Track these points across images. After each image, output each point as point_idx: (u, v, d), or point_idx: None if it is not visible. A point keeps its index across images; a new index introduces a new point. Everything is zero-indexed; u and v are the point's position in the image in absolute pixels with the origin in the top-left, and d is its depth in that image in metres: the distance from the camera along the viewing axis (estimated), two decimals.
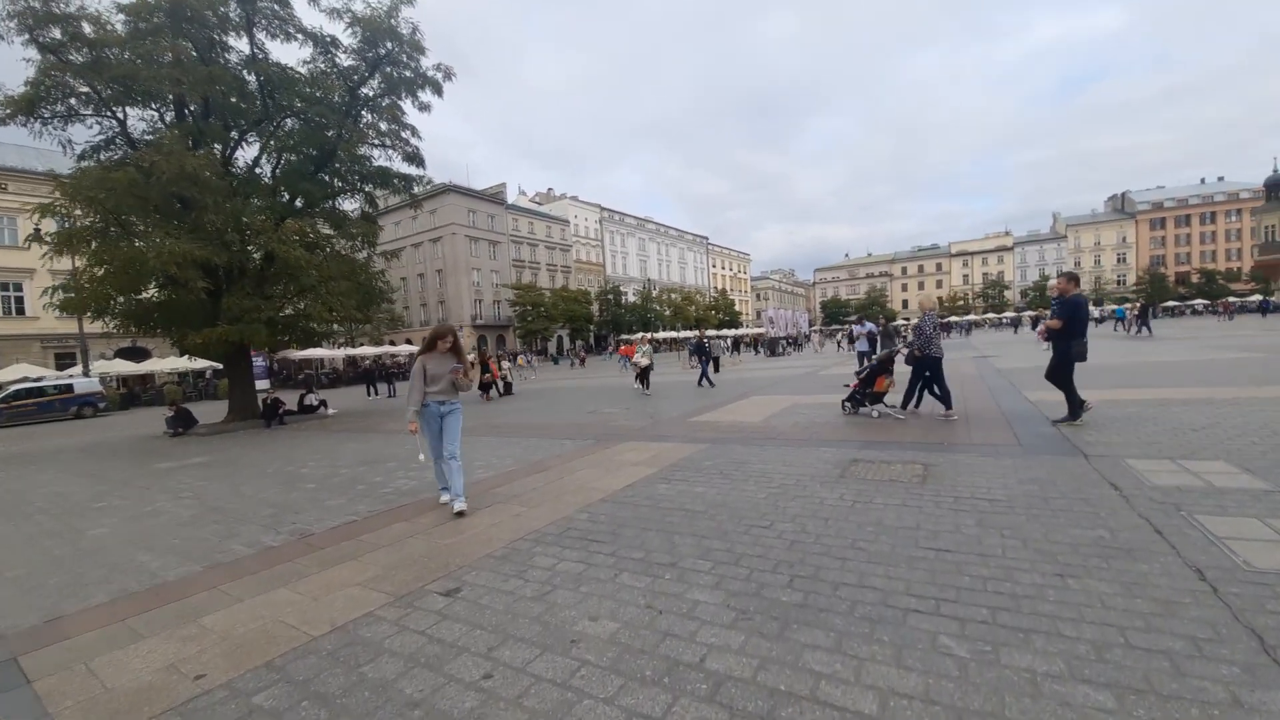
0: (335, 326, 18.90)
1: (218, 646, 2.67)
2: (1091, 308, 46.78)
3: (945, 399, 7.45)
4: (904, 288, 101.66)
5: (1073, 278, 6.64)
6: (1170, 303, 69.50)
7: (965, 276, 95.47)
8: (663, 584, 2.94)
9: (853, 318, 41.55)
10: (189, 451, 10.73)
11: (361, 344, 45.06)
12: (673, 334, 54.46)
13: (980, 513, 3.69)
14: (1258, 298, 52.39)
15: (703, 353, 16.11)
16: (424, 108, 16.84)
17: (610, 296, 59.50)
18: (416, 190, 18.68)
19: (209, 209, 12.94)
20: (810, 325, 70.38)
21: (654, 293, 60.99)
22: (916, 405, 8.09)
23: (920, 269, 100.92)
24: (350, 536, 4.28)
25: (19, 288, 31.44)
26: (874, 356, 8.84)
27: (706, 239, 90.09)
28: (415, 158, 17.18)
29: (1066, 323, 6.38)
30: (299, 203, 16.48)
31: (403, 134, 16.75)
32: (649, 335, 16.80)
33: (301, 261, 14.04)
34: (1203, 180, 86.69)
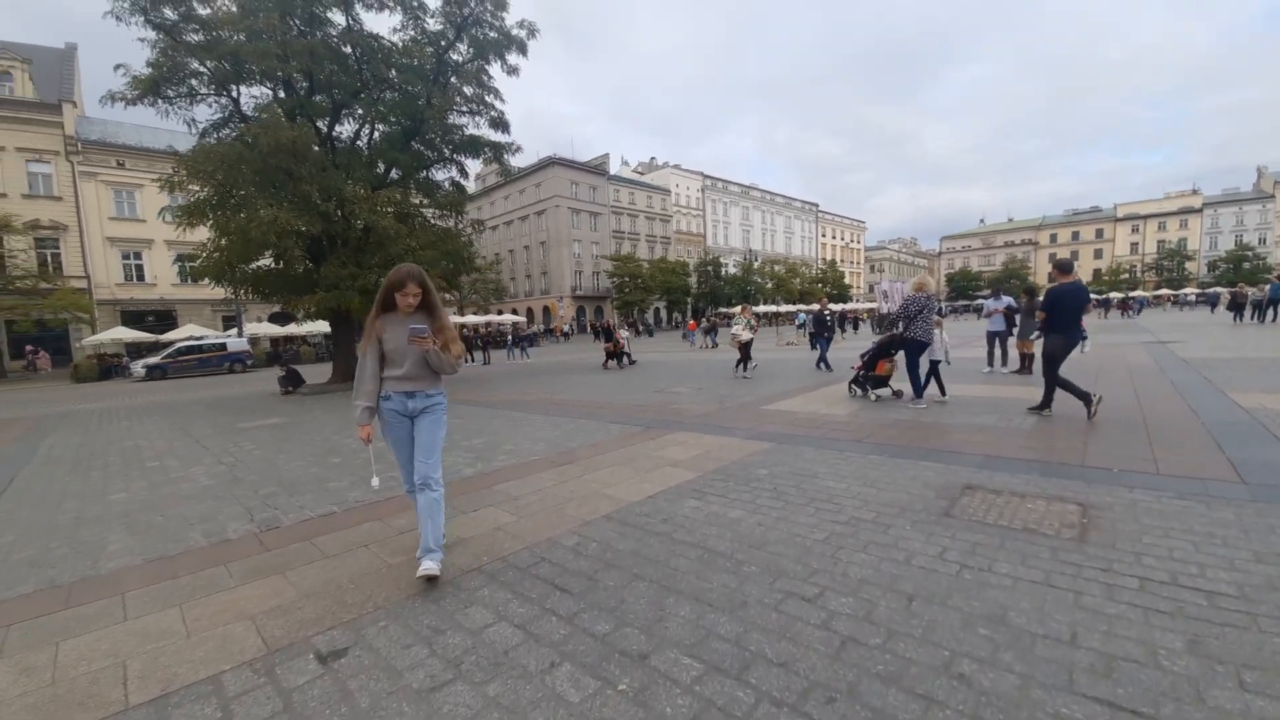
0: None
1: (16, 705, 2.04)
2: None
3: (916, 387, 7.31)
4: (1052, 258, 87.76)
5: (1062, 266, 6.35)
6: None
7: (1134, 245, 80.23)
8: (609, 704, 1.85)
9: (985, 292, 36.21)
10: (279, 410, 11.30)
11: (470, 313, 47.57)
12: (773, 308, 51.42)
13: (1193, 620, 2.15)
14: None
15: (824, 328, 13.43)
16: (512, 71, 16.41)
17: (709, 268, 57.43)
18: (507, 158, 18.46)
19: (305, 180, 13.44)
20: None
21: (756, 264, 57.82)
22: (942, 394, 7.47)
23: (1075, 236, 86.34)
24: (308, 536, 3.66)
25: (139, 256, 35.88)
26: (906, 334, 7.18)
27: (816, 206, 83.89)
28: (500, 123, 16.90)
29: (1047, 316, 6.14)
30: (394, 173, 16.89)
31: (487, 98, 16.47)
32: (749, 306, 15.16)
33: (391, 231, 14.28)
34: None
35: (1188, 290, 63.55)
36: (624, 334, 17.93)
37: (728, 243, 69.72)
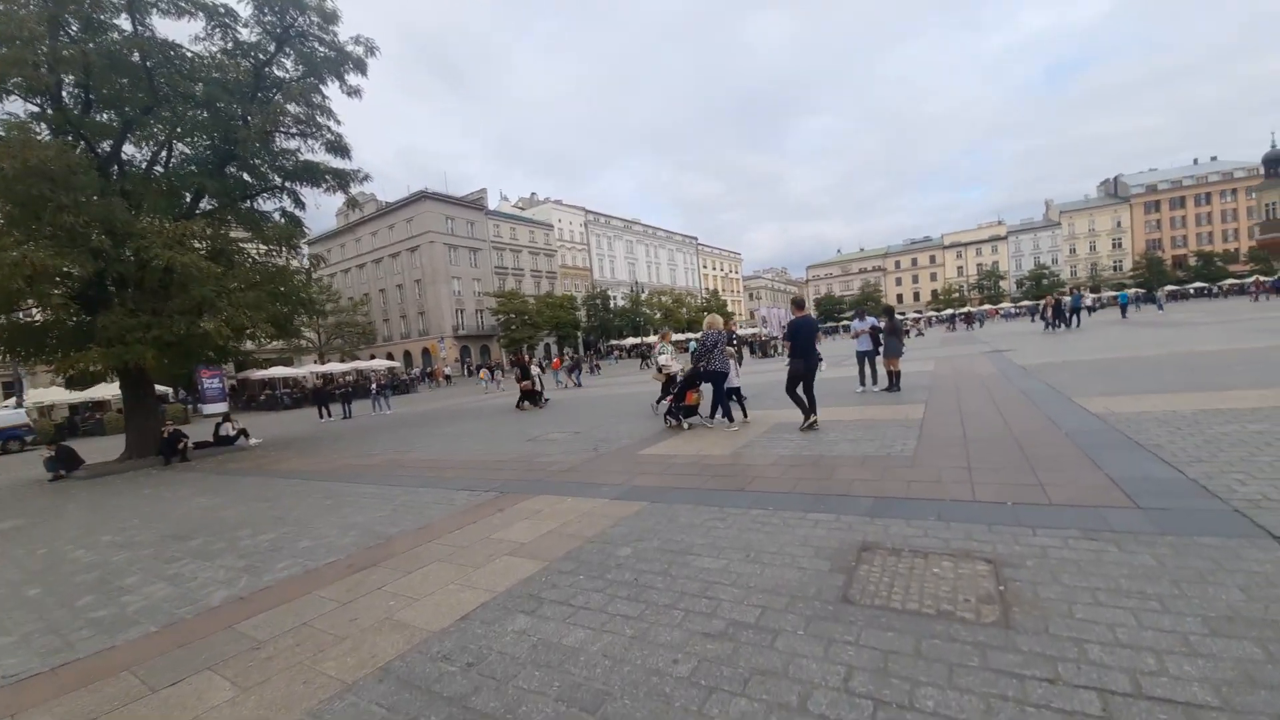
0: (260, 342, 16.65)
1: None
2: (1086, 295, 44.97)
3: (725, 412, 7.95)
4: (898, 281, 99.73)
5: (797, 303, 7.73)
6: (1170, 287, 67.59)
7: (959, 268, 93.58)
8: None
9: (849, 314, 39.35)
10: (29, 505, 8.51)
11: (333, 360, 42.66)
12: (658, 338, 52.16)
13: None
14: (1266, 279, 50.40)
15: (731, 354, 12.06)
16: (353, 92, 14.74)
17: (598, 301, 57.24)
18: (355, 188, 16.50)
19: (69, 209, 10.68)
20: None
21: (643, 295, 58.61)
22: (743, 416, 8.35)
23: (914, 262, 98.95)
24: None
25: None
26: (706, 367, 7.98)
27: (696, 239, 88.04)
28: (338, 147, 15.07)
29: (790, 344, 7.23)
30: (206, 203, 14.27)
31: (319, 118, 14.60)
32: (669, 331, 13.81)
33: (196, 270, 11.73)
34: (1195, 161, 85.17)
35: (1005, 305, 75.13)
36: (536, 371, 16.45)
37: (614, 275, 70.37)
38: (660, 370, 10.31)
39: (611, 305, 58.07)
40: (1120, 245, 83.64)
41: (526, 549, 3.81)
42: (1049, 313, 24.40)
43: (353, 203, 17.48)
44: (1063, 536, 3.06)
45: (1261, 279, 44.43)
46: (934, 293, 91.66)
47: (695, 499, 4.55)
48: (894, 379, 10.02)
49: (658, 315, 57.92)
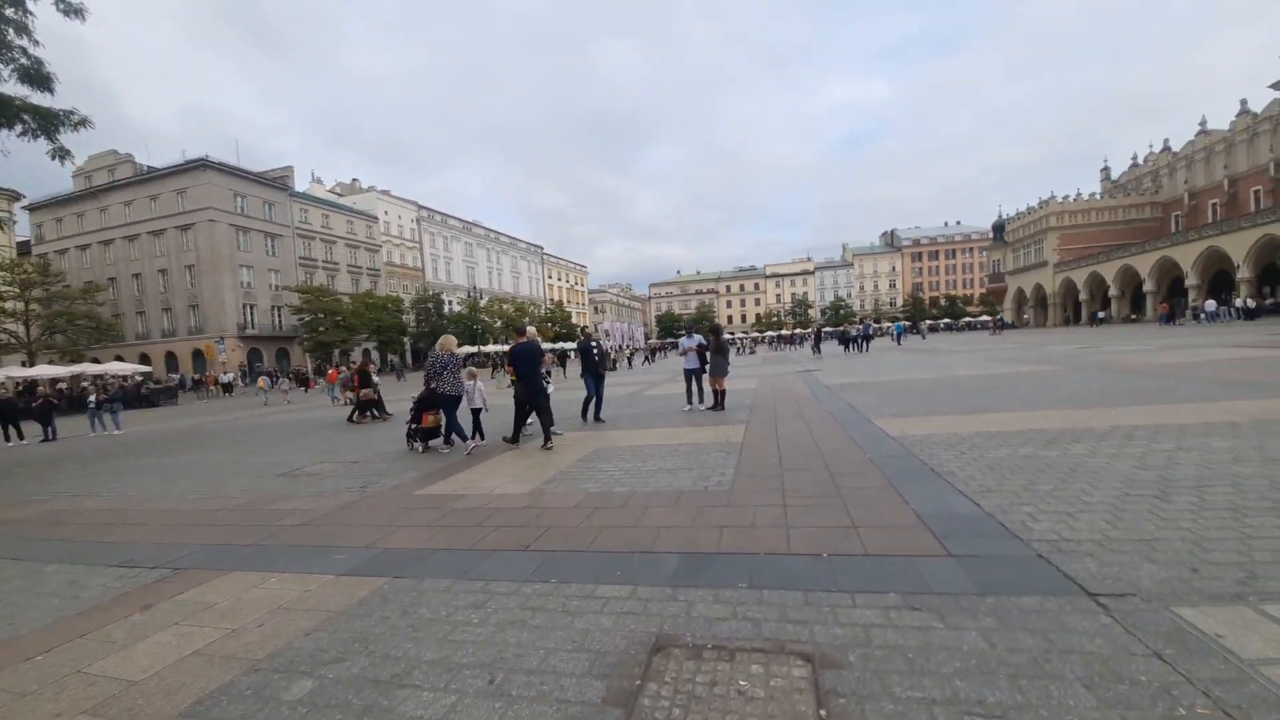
0: None
1: None
2: (872, 323, 53.74)
3: (459, 434, 7.73)
4: (729, 304, 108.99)
5: (519, 330, 7.98)
6: (928, 321, 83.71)
7: (778, 296, 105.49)
8: None
9: (680, 331, 41.38)
10: None
11: (48, 362, 32.50)
12: (499, 347, 49.46)
13: None
14: (987, 317, 64.65)
15: (591, 365, 9.58)
16: (73, 11, 11.05)
17: (430, 305, 52.43)
18: (64, 134, 12.23)
19: None
20: (646, 339, 70.57)
21: (482, 301, 55.12)
22: (480, 438, 8.07)
23: (742, 288, 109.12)
24: None
25: None
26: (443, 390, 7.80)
27: (542, 249, 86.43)
28: (37, 77, 11.10)
29: (514, 369, 7.60)
30: None
31: (6, 34, 10.58)
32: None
33: None
34: (945, 224, 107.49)
35: (813, 329, 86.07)
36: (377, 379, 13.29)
37: (450, 279, 65.57)
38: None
39: (446, 310, 53.69)
40: (895, 285, 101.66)
41: (127, 697, 2.26)
42: (812, 339, 28.41)
43: (62, 153, 13.02)
44: (884, 607, 2.51)
45: (998, 318, 56.65)
46: (758, 315, 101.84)
47: (458, 568, 3.36)
48: (719, 398, 9.87)
49: (498, 324, 55.01)
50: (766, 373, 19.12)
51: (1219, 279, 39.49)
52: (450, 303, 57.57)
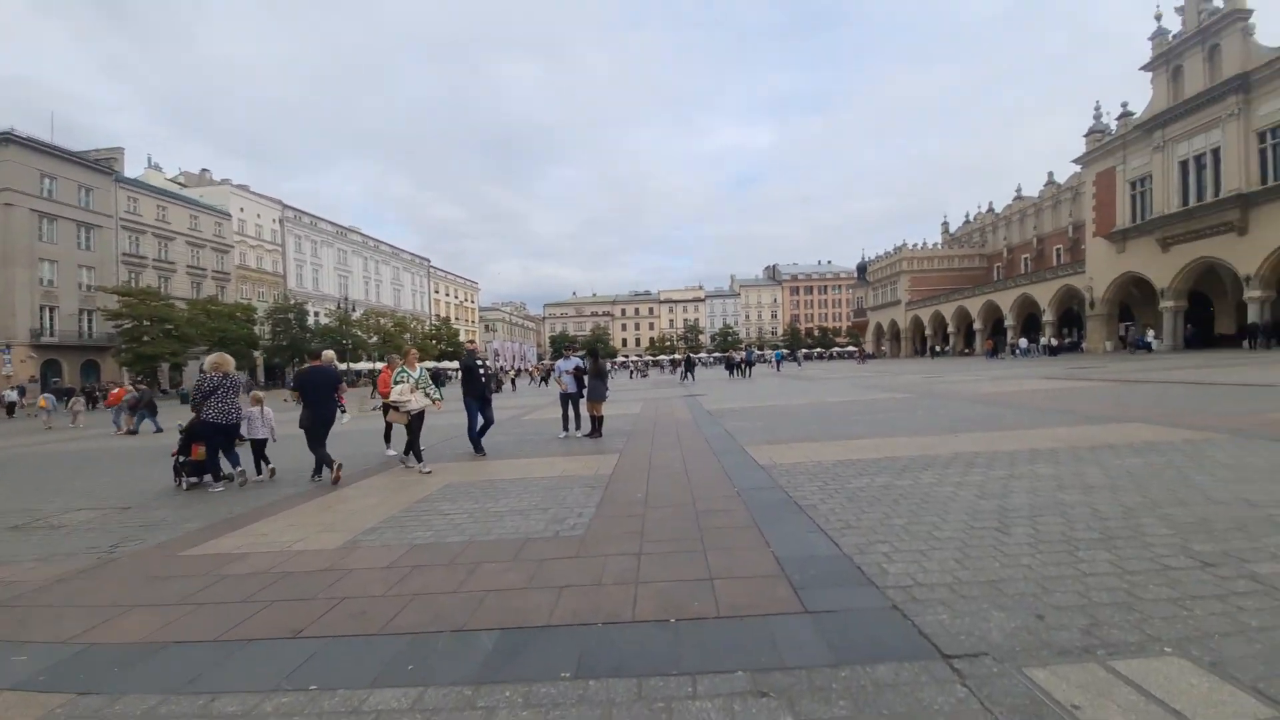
0: None
1: None
2: (756, 350, 57.32)
3: (213, 471, 6.80)
4: (624, 327, 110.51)
5: (313, 353, 7.38)
6: (804, 350, 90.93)
7: (671, 321, 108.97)
8: None
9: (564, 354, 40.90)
10: None
11: None
12: (370, 364, 45.36)
13: None
14: (853, 347, 71.44)
15: (475, 386, 8.03)
16: None
17: (291, 315, 46.84)
18: None
19: None
20: (539, 359, 68.90)
21: (355, 314, 50.33)
22: (258, 472, 7.08)
23: (637, 311, 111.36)
24: None
25: None
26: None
27: (429, 261, 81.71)
28: None
29: (300, 394, 6.93)
30: None
31: None
32: (414, 351, 7.81)
33: None
34: (819, 262, 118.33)
35: (702, 354, 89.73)
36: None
37: (318, 288, 59.49)
38: (398, 410, 6.96)
39: (310, 322, 48.34)
40: (776, 316, 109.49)
41: None
42: (682, 366, 29.70)
43: None
44: (729, 694, 2.06)
45: (862, 349, 62.65)
46: (652, 340, 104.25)
47: (183, 674, 2.43)
48: (596, 424, 9.37)
49: (373, 339, 50.54)
50: (653, 397, 19.06)
51: (1030, 320, 46.96)
52: (316, 314, 51.99)
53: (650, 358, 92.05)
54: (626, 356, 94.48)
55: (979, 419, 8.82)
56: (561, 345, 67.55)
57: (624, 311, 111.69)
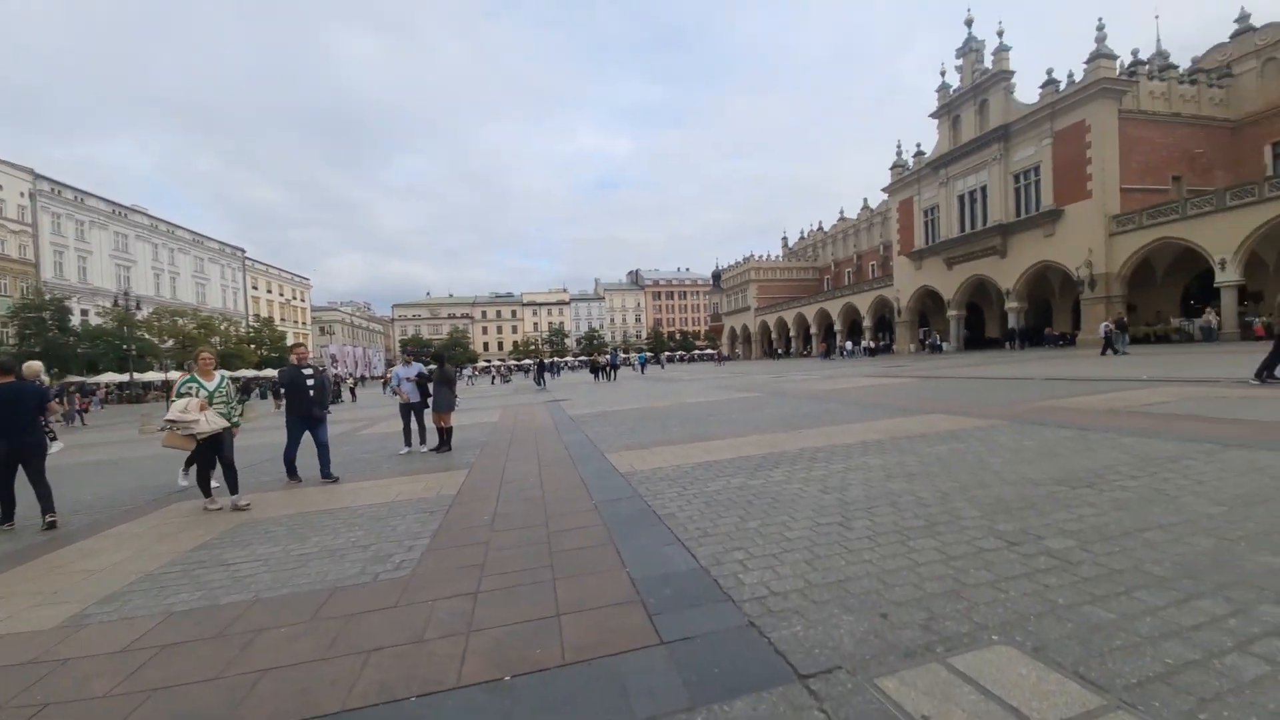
0: None
1: None
2: (620, 354, 58.53)
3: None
4: (484, 330, 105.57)
5: (3, 369, 5.52)
6: (667, 353, 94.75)
7: (535, 324, 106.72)
8: None
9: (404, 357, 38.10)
10: None
11: None
12: (160, 375, 37.69)
13: None
14: (711, 350, 75.98)
15: (298, 397, 6.72)
16: None
17: (45, 314, 37.06)
18: None
19: None
20: (388, 365, 62.95)
21: (141, 313, 41.26)
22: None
23: (499, 314, 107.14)
24: None
25: None
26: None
27: (242, 251, 70.44)
28: None
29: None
30: None
31: None
32: (207, 354, 5.97)
33: None
34: (679, 268, 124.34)
35: (569, 357, 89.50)
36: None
37: (86, 279, 48.07)
38: (177, 429, 5.38)
39: (75, 323, 38.78)
40: (640, 319, 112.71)
41: None
42: (534, 370, 29.53)
43: None
44: None
45: (719, 351, 66.76)
46: (515, 343, 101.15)
47: None
48: (445, 436, 8.46)
49: (168, 343, 42.01)
50: (514, 403, 18.19)
51: (854, 326, 53.84)
52: (85, 313, 41.88)
53: (515, 362, 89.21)
54: (489, 361, 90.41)
55: (818, 415, 9.55)
56: (411, 349, 62.42)
57: (484, 314, 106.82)
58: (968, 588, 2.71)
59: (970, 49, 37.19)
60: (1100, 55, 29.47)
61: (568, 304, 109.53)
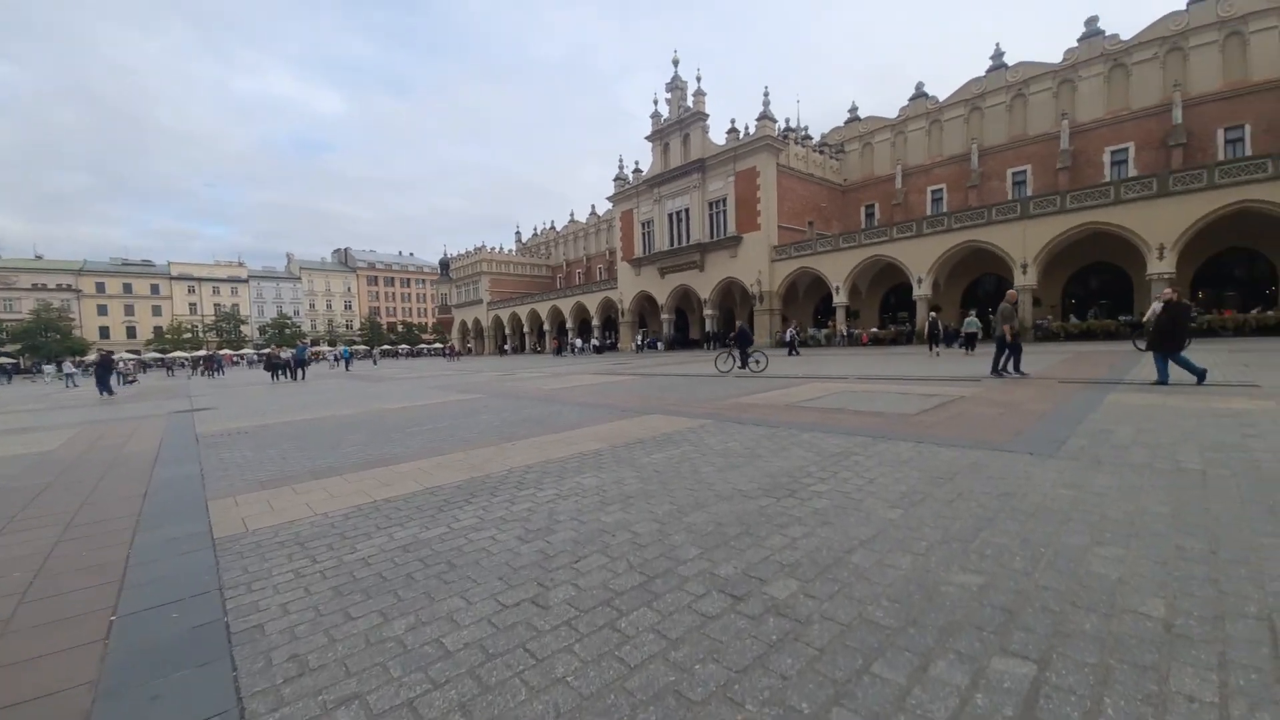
0: None
1: None
2: (309, 347, 49.22)
3: None
4: (102, 310, 75.92)
5: None
6: (385, 346, 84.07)
7: (193, 305, 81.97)
8: None
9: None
10: None
11: None
12: None
13: None
14: (440, 344, 70.14)
15: None
16: None
17: None
18: None
19: None
20: None
21: None
22: None
23: (127, 288, 77.95)
24: None
25: None
26: None
27: None
28: None
29: None
30: None
31: None
32: None
33: None
34: (400, 253, 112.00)
35: (247, 350, 71.20)
36: None
37: None
38: None
39: None
40: (351, 307, 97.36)
41: None
42: (271, 363, 23.10)
43: None
44: None
45: (450, 345, 61.63)
46: (158, 329, 75.88)
47: None
48: None
49: None
50: (113, 417, 12.59)
51: (584, 323, 56.32)
52: None
53: (159, 354, 66.68)
54: (109, 354, 65.25)
55: (538, 419, 8.58)
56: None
57: (101, 286, 76.36)
58: (695, 707, 1.82)
59: (676, 86, 42.37)
60: (765, 117, 36.93)
61: (244, 281, 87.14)
